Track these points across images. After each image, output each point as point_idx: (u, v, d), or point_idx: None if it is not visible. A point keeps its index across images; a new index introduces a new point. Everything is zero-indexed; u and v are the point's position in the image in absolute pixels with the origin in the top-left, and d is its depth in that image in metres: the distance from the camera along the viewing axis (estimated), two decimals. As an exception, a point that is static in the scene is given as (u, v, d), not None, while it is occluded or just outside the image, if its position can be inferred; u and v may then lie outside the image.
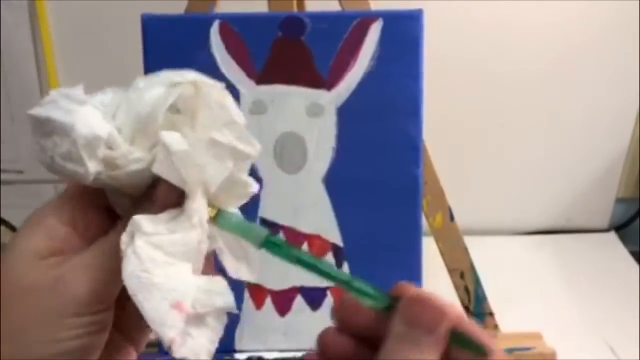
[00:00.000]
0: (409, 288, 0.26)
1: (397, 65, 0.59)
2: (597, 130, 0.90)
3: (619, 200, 0.95)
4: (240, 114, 0.29)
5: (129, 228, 0.26)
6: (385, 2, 0.60)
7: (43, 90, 0.87)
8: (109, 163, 0.27)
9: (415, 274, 0.61)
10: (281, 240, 0.28)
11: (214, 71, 0.59)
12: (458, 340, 0.25)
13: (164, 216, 0.27)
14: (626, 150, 0.92)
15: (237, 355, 0.61)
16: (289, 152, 0.60)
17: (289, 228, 0.61)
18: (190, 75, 0.28)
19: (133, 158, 0.27)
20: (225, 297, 0.28)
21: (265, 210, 0.61)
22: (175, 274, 0.26)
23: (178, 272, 0.26)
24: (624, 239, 0.94)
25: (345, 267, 0.61)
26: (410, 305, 0.25)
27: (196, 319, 0.27)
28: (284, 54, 0.59)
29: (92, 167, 0.26)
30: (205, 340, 0.27)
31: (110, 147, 0.27)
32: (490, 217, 0.95)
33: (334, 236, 0.61)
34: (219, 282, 0.28)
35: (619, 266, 0.88)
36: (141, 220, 0.26)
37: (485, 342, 0.25)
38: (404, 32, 0.59)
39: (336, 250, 0.61)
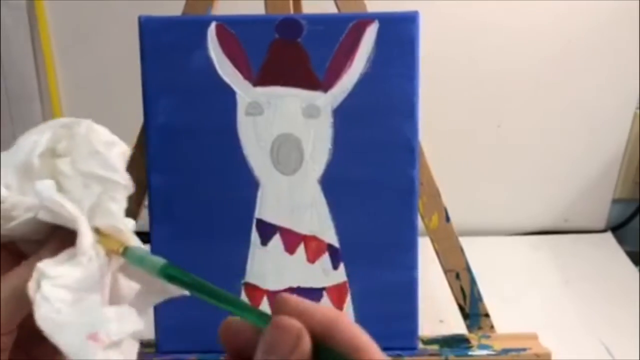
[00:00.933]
0: (285, 303, 0.26)
1: (393, 66, 0.59)
2: (594, 131, 0.91)
3: (615, 201, 0.95)
4: (108, 144, 0.31)
5: (34, 275, 0.27)
6: (381, 3, 0.61)
7: (42, 91, 0.87)
8: (5, 217, 0.29)
9: (411, 275, 0.61)
10: (177, 269, 0.29)
11: (210, 73, 0.60)
12: (326, 358, 0.25)
13: (64, 256, 0.28)
14: (623, 151, 0.92)
15: (233, 356, 0.62)
16: (285, 153, 0.61)
17: (285, 229, 0.61)
18: (61, 121, 0.31)
19: (25, 207, 0.29)
20: (135, 323, 0.30)
21: (262, 212, 0.61)
22: (85, 308, 0.28)
23: (88, 306, 0.28)
24: (621, 240, 0.94)
25: (342, 268, 0.62)
26: (267, 331, 0.25)
27: (112, 346, 0.28)
28: (281, 55, 0.59)
29: None
30: (128, 351, 0.29)
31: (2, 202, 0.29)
32: (486, 217, 0.95)
33: (330, 237, 0.61)
34: (127, 309, 0.30)
35: (616, 267, 0.88)
36: (45, 267, 0.27)
37: (359, 356, 0.25)
38: (399, 34, 0.59)
39: (332, 251, 0.61)
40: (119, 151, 0.31)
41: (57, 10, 0.85)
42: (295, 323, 0.25)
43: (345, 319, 0.26)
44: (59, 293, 0.27)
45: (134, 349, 0.30)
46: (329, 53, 0.59)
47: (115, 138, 0.32)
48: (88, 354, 0.27)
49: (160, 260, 0.29)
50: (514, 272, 0.85)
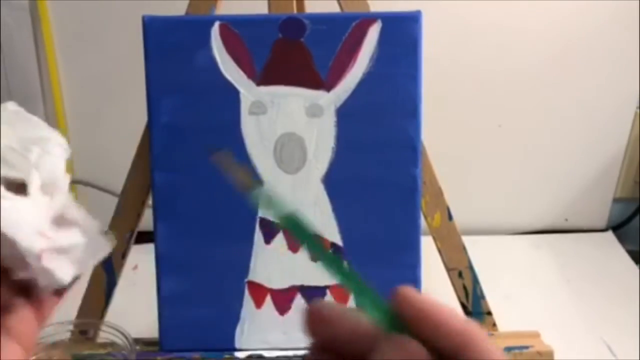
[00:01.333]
0: (412, 303, 0.24)
1: (395, 66, 0.60)
2: (594, 130, 0.91)
3: (616, 200, 0.96)
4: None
5: None
6: (384, 3, 0.61)
7: (45, 91, 0.87)
8: None
9: (414, 274, 0.62)
10: (302, 221, 0.26)
11: (214, 72, 0.60)
12: None
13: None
14: (624, 150, 0.92)
15: (237, 354, 0.62)
16: (288, 152, 0.61)
17: (288, 227, 0.61)
18: None
19: None
20: (79, 235, 0.34)
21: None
22: (33, 213, 0.32)
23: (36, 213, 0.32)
24: (622, 239, 0.94)
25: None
26: (391, 346, 0.23)
27: (60, 250, 0.32)
28: (284, 55, 0.60)
29: None
30: (69, 265, 0.33)
31: None
32: (488, 216, 0.95)
33: (334, 236, 0.62)
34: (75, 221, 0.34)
35: (617, 266, 0.88)
36: (4, 192, 0.31)
37: None
38: (402, 34, 0.59)
39: (336, 249, 0.62)
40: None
41: (60, 10, 0.85)
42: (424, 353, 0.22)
43: (480, 335, 0.23)
44: (14, 207, 0.31)
45: (82, 259, 0.33)
46: (332, 52, 0.60)
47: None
48: (35, 243, 0.31)
49: (290, 208, 0.26)
50: (516, 270, 0.86)
